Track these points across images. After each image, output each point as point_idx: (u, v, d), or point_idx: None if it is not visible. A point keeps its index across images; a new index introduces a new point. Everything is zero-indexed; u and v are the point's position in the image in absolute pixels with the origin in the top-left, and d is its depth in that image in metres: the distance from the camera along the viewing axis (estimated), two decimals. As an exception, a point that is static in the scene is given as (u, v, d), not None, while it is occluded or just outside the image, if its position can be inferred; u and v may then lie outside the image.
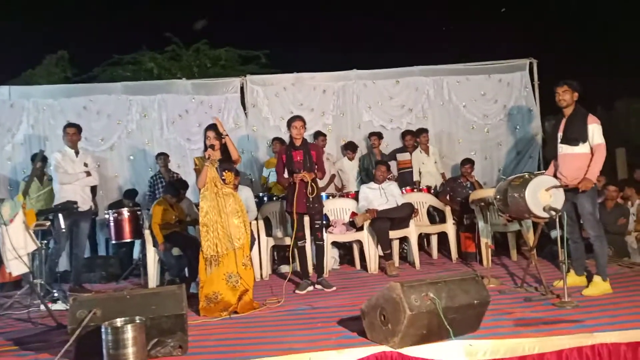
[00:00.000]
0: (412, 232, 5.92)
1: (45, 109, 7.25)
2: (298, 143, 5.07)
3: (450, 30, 14.65)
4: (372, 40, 14.96)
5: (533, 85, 7.96)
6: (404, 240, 6.29)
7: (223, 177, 4.51)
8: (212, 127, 4.60)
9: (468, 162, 6.79)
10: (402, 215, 5.84)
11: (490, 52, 8.72)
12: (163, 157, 6.99)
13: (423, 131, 7.41)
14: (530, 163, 7.82)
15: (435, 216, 6.79)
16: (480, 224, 5.69)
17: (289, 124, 5.10)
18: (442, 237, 6.48)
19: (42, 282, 4.95)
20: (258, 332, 3.78)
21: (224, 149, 4.61)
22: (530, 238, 5.13)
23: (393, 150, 7.48)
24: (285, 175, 5.10)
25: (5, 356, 3.56)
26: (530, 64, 7.98)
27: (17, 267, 4.27)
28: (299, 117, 5.13)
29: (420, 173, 7.28)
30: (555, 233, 4.49)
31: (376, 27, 15.53)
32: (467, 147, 7.88)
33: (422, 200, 6.62)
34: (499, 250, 6.19)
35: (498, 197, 4.56)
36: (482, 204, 5.65)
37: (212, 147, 4.51)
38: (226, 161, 4.59)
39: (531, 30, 13.73)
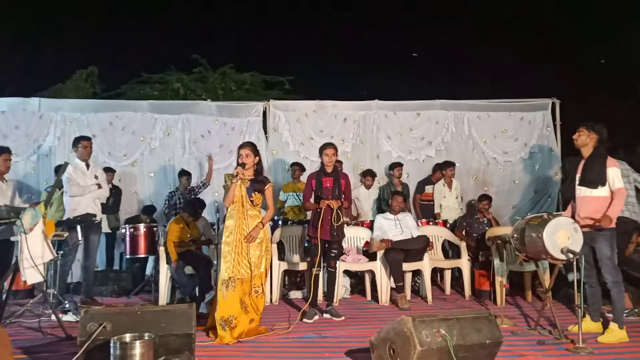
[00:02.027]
0: (426, 265, 5.86)
1: (72, 122, 7.42)
2: (329, 170, 5.10)
3: (473, 66, 14.77)
4: (395, 71, 15.13)
5: (555, 126, 7.94)
6: (416, 273, 6.23)
7: (252, 199, 4.41)
8: (246, 145, 4.55)
9: (485, 198, 6.73)
10: (416, 248, 5.80)
11: (513, 90, 8.74)
12: (187, 176, 7.09)
13: (450, 165, 7.36)
14: (549, 203, 7.74)
15: (450, 251, 6.73)
16: (496, 261, 5.61)
17: (321, 150, 5.13)
18: (456, 272, 6.38)
19: (55, 292, 4.99)
20: (265, 359, 3.75)
21: (257, 168, 4.51)
22: (547, 279, 5.03)
23: (421, 182, 7.52)
24: (312, 200, 5.11)
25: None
26: (553, 103, 7.97)
27: (32, 276, 4.31)
28: (331, 145, 5.16)
29: (440, 206, 7.26)
30: (572, 276, 4.41)
31: (399, 59, 15.74)
32: (483, 183, 7.85)
33: (438, 234, 6.57)
34: (514, 290, 6.08)
35: (515, 235, 4.50)
36: (499, 241, 5.57)
37: (243, 165, 4.40)
38: (258, 182, 4.48)
39: (555, 70, 13.77)
